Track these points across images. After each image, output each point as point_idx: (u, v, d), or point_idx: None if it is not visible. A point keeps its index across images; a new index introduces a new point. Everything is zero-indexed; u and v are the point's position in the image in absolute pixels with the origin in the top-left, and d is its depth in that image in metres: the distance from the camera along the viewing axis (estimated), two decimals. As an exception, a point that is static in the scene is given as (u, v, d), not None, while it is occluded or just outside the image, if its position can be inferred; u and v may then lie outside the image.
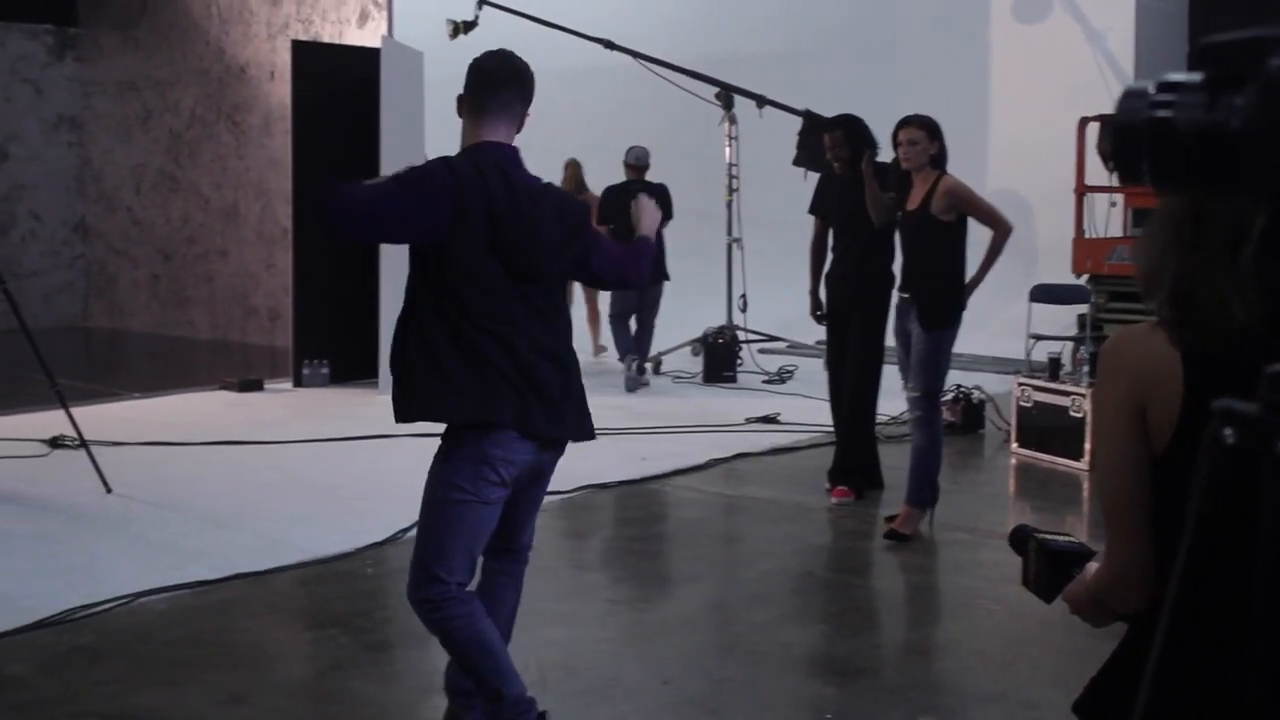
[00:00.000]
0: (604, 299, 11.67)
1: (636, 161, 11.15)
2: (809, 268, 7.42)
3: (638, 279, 4.01)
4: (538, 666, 4.64)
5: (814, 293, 7.39)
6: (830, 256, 7.21)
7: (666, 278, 10.83)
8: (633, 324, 11.05)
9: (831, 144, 6.98)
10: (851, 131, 6.92)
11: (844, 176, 6.95)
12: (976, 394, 9.00)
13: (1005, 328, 10.53)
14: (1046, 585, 2.18)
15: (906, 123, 6.23)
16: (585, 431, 3.83)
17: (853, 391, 6.98)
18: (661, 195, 10.18)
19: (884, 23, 15.42)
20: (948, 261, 6.19)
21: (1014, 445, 8.21)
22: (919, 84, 14.59)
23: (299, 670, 4.41)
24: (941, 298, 6.17)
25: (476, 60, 3.76)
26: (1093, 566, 2.11)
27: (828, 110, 7.17)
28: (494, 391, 3.59)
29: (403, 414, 3.69)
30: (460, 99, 3.74)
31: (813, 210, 7.38)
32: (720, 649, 4.86)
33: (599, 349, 12.15)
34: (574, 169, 12.73)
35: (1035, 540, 2.20)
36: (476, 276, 3.59)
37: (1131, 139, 1.32)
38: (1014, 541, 2.26)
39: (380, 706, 4.34)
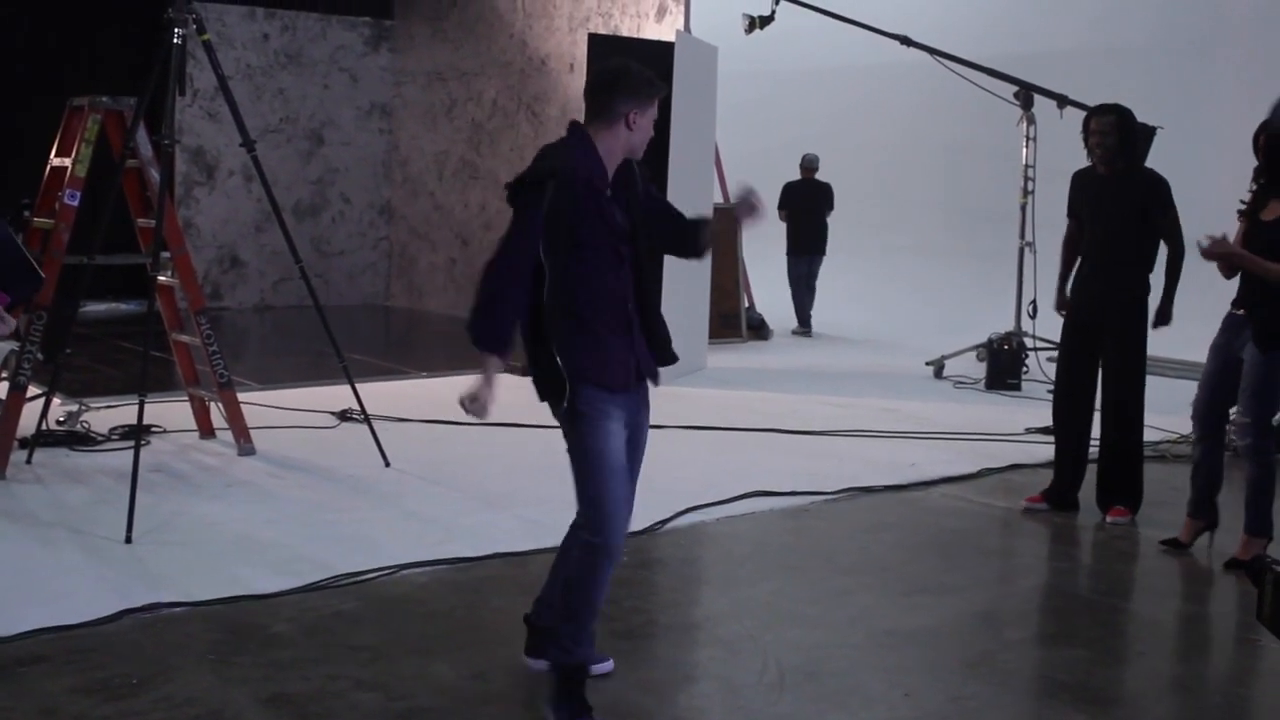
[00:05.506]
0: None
1: (810, 165, 14.34)
2: (1059, 262, 6.96)
3: None
4: (778, 667, 4.61)
5: (1062, 289, 6.92)
6: (1081, 258, 6.75)
7: (823, 253, 14.33)
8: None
9: (1099, 128, 6.51)
10: (1125, 120, 6.53)
11: (1105, 174, 6.58)
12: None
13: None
14: None
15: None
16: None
17: (1120, 407, 6.65)
18: (826, 191, 14.29)
19: (1200, 19, 14.67)
20: None
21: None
22: (1239, 86, 13.84)
23: (543, 652, 4.49)
24: None
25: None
26: None
27: (1137, 113, 6.76)
28: None
29: None
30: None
31: (1071, 214, 6.84)
32: (967, 665, 4.70)
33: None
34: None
35: (1274, 573, 2.05)
36: None
37: None
38: (1251, 572, 2.11)
39: (614, 697, 4.36)
